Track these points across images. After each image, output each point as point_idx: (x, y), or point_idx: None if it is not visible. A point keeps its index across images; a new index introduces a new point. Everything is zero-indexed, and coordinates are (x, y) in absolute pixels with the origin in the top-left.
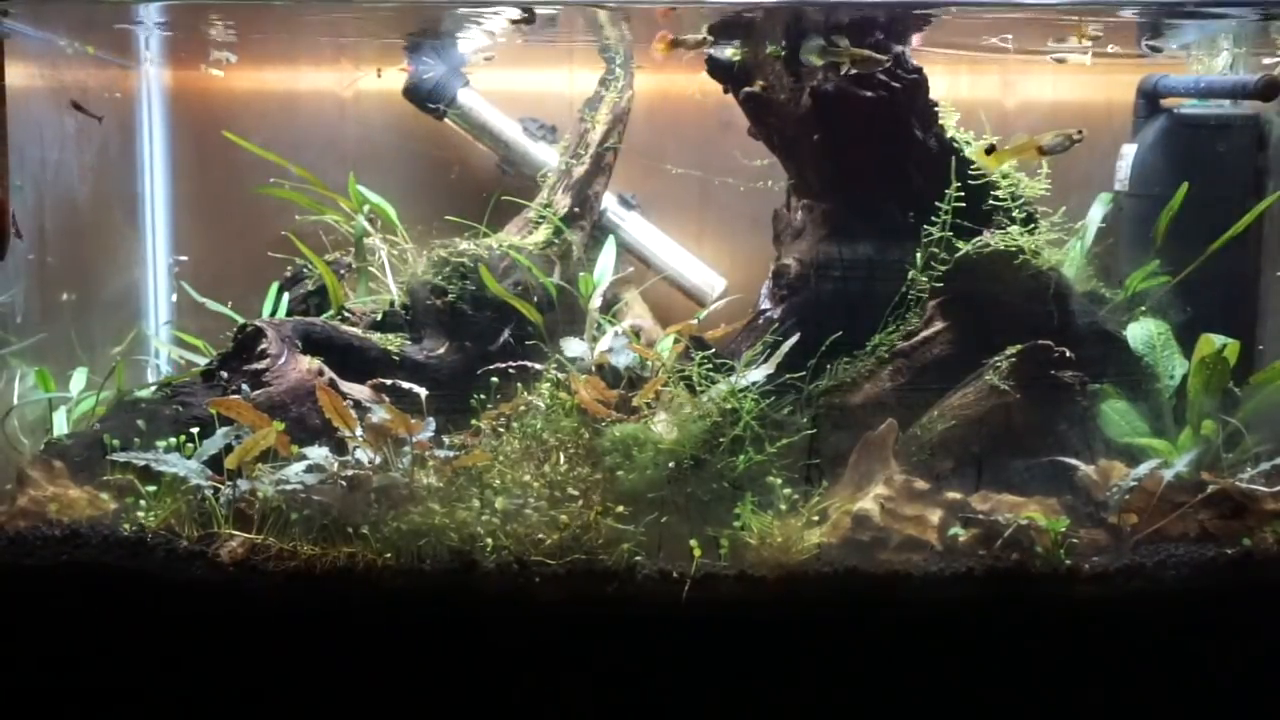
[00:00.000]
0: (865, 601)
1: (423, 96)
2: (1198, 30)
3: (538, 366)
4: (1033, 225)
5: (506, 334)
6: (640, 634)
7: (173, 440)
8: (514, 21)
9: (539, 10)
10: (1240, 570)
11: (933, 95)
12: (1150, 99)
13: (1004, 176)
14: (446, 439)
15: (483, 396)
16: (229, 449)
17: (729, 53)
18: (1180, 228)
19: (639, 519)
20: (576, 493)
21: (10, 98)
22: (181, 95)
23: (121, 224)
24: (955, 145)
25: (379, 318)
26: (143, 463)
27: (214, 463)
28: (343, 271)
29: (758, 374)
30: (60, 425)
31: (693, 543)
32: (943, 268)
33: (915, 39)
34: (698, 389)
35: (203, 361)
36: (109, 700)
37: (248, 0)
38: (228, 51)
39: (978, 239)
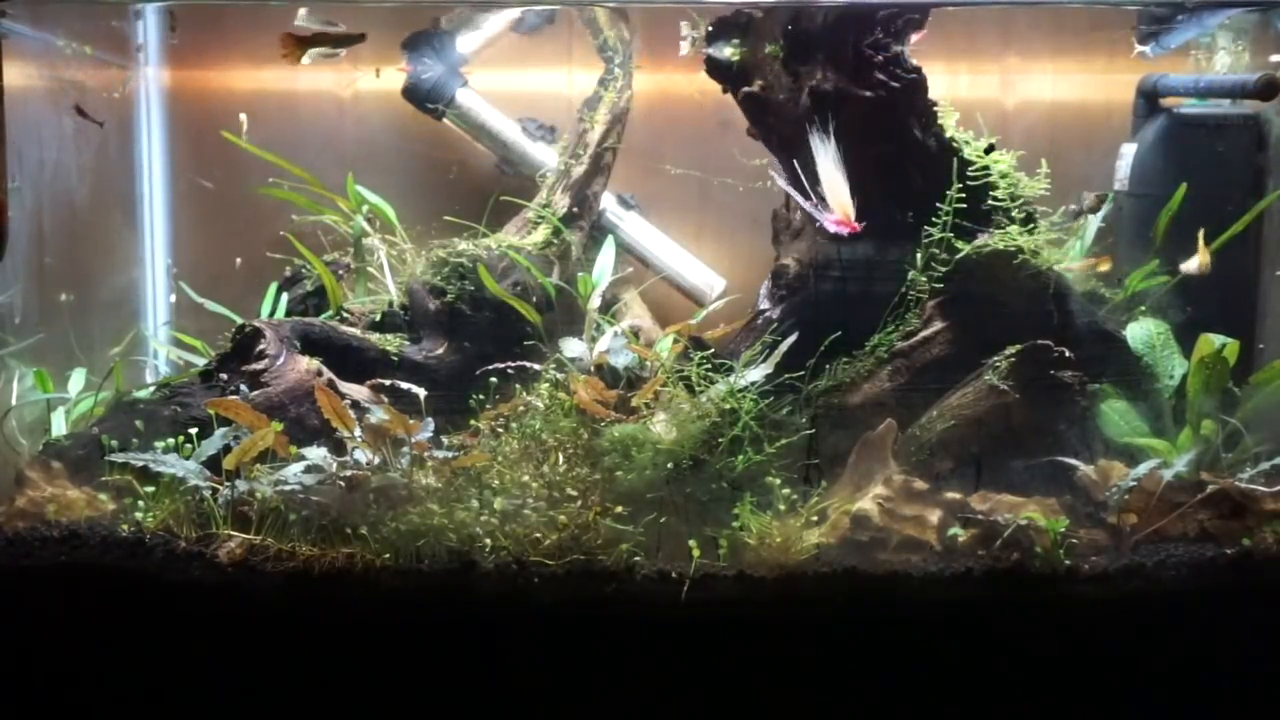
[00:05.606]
0: (864, 602)
1: (421, 96)
2: (1198, 28)
3: (536, 367)
4: (1032, 225)
5: None
6: (639, 634)
7: (171, 441)
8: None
9: (537, 9)
10: (1240, 570)
11: (932, 95)
12: (1150, 98)
13: (1003, 176)
14: (445, 439)
15: (481, 397)
16: (227, 449)
17: (728, 52)
18: (1180, 228)
19: (638, 519)
20: (575, 493)
21: (8, 98)
22: (180, 95)
23: (120, 224)
24: (954, 145)
25: (378, 318)
26: (141, 463)
27: (212, 463)
28: (341, 272)
29: (756, 374)
30: (58, 426)
31: (691, 543)
32: (942, 268)
33: (914, 37)
34: (697, 389)
35: (201, 362)
36: (107, 701)
37: (248, 1)
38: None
39: (978, 240)
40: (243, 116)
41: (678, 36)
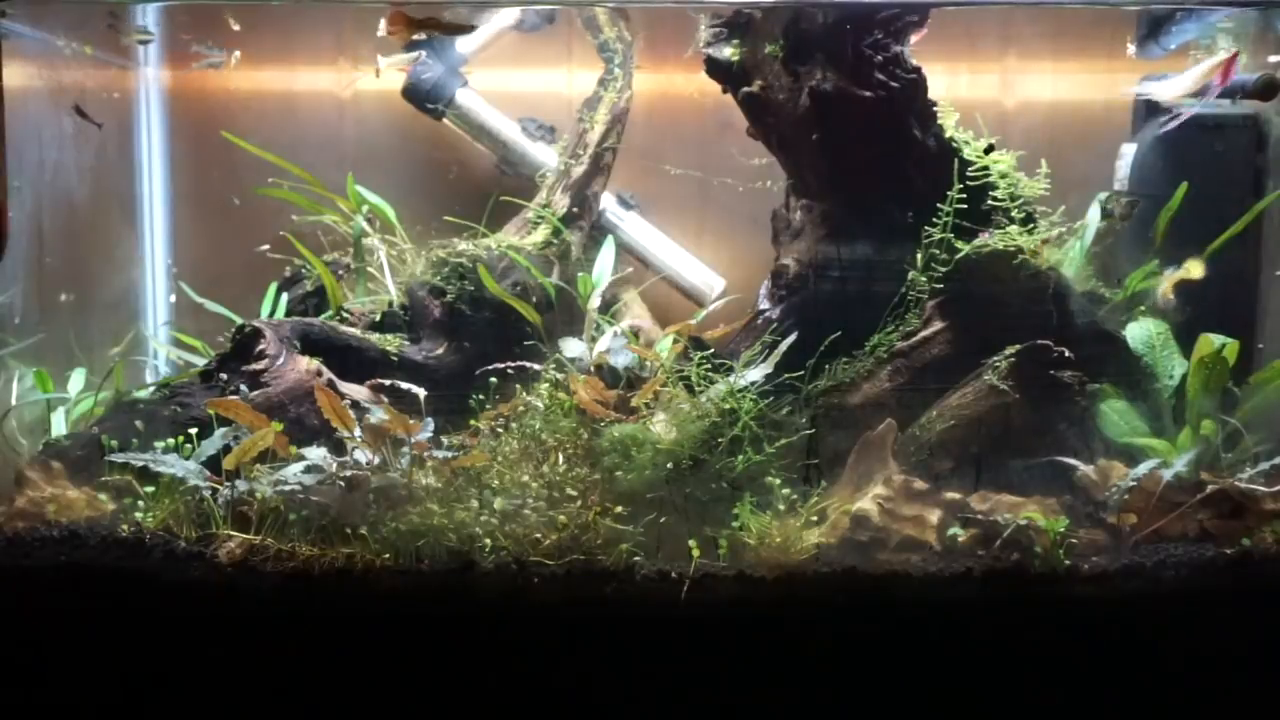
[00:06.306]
0: (864, 602)
1: (421, 97)
2: (1197, 28)
3: (536, 367)
4: (1032, 225)
5: None
6: (639, 634)
7: (171, 441)
8: None
9: (537, 9)
10: (1240, 570)
11: (931, 95)
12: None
13: (1003, 176)
14: (445, 439)
15: (481, 397)
16: (227, 450)
17: (728, 52)
18: (1180, 228)
19: (638, 519)
20: (575, 493)
21: (8, 98)
22: (180, 95)
23: (120, 224)
24: (954, 145)
25: (377, 318)
26: (141, 463)
27: (212, 463)
28: (341, 272)
29: (756, 374)
30: (59, 426)
31: (691, 543)
32: (942, 268)
33: (914, 37)
34: (696, 389)
35: (201, 362)
36: (106, 702)
37: (248, 0)
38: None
39: (977, 239)
40: (237, 54)
41: (677, 36)
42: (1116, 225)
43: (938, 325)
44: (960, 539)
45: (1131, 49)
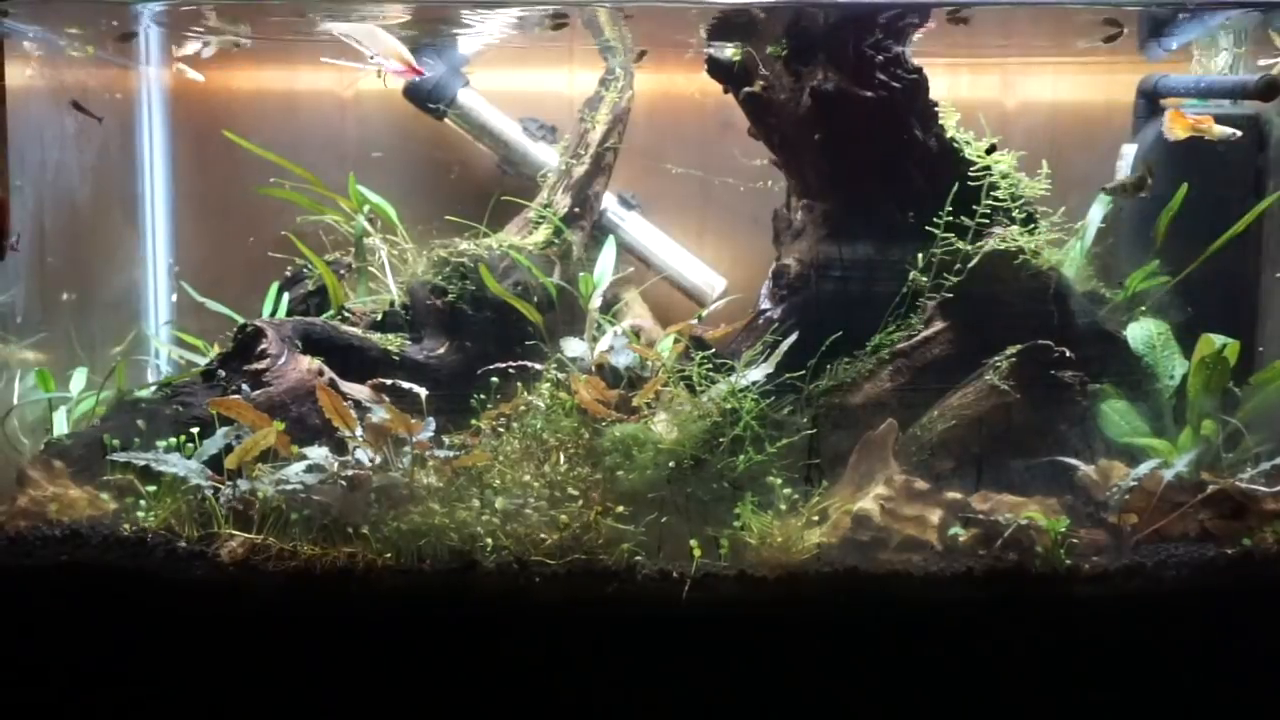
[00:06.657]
0: (865, 601)
1: (423, 97)
2: (1199, 28)
3: (538, 366)
4: (1033, 225)
5: None
6: (640, 634)
7: (173, 440)
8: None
9: (537, 9)
10: (1240, 570)
11: (933, 95)
12: (1150, 99)
13: (1003, 176)
14: (446, 439)
15: (483, 396)
16: (229, 449)
17: (729, 52)
18: (1180, 228)
19: (639, 519)
20: (576, 493)
21: (10, 98)
22: (182, 95)
23: (121, 224)
24: (955, 145)
25: (379, 318)
26: (143, 463)
27: (214, 463)
28: (343, 271)
29: (757, 374)
30: (60, 425)
31: (693, 543)
32: (944, 268)
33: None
34: (698, 389)
35: (203, 361)
36: (108, 702)
37: (248, 0)
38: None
39: (977, 240)
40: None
41: (678, 37)
42: (1130, 199)
43: (939, 325)
44: (961, 539)
45: (1102, 45)
